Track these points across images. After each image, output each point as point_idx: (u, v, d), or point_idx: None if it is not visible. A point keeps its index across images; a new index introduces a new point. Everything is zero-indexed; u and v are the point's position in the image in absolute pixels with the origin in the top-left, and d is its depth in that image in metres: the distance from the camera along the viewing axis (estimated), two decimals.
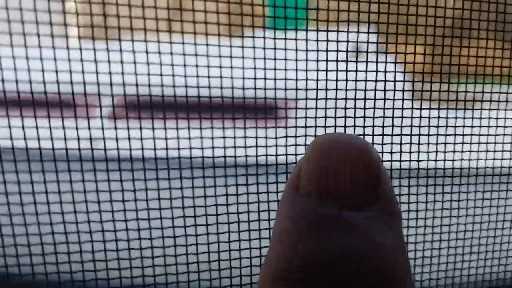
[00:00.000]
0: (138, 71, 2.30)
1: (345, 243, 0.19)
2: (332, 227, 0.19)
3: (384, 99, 0.81)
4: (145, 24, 0.75)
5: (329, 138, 0.21)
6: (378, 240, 0.19)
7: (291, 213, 0.20)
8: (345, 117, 0.78)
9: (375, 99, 0.82)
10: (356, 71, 0.81)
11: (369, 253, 0.19)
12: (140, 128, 0.76)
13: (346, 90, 0.77)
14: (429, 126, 0.87)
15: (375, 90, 0.81)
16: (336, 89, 0.77)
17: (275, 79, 0.83)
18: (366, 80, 0.76)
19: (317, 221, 0.19)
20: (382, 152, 0.81)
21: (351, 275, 0.18)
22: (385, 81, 0.80)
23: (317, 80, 0.77)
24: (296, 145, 0.88)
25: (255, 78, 0.79)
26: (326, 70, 0.77)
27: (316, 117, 0.81)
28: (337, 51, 0.76)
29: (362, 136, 0.98)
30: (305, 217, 0.20)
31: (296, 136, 0.89)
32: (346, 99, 0.79)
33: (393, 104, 0.78)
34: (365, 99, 0.79)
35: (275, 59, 0.82)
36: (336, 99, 0.82)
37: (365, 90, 0.78)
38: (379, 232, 0.19)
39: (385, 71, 0.81)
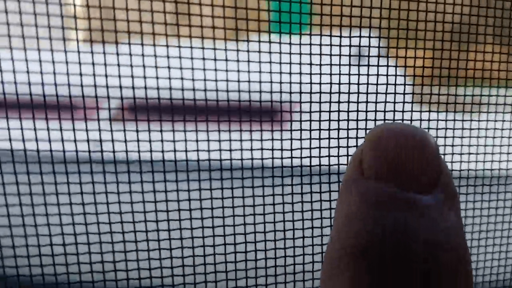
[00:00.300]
0: (144, 75, 2.33)
1: (412, 223, 0.19)
2: (400, 207, 0.20)
3: (385, 102, 0.83)
4: (153, 28, 0.77)
5: (390, 126, 0.22)
6: (442, 222, 0.20)
7: (356, 193, 0.21)
8: (347, 120, 0.80)
9: (376, 102, 0.84)
10: (358, 75, 0.83)
11: (434, 234, 0.19)
12: (149, 130, 0.78)
13: (348, 93, 0.79)
14: (428, 128, 0.89)
15: (376, 93, 0.83)
16: (339, 93, 0.79)
17: (280, 82, 0.85)
18: (367, 84, 0.78)
19: (384, 200, 0.20)
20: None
21: (416, 255, 0.19)
22: (386, 84, 0.82)
23: (320, 83, 0.79)
24: (301, 148, 0.90)
25: (260, 82, 0.81)
26: (330, 74, 0.79)
27: (320, 120, 0.83)
28: (340, 55, 0.78)
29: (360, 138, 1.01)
30: (373, 196, 0.20)
31: (301, 139, 0.91)
32: (348, 102, 0.81)
33: (394, 107, 0.80)
34: (366, 102, 0.81)
35: (280, 63, 0.84)
36: (333, 102, 0.84)
37: (367, 93, 0.80)
38: (443, 214, 0.20)
39: (387, 75, 0.83)
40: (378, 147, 0.21)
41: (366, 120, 0.84)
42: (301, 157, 0.86)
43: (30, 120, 2.28)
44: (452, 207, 0.21)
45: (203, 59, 0.75)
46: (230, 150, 0.85)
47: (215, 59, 0.78)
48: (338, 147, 0.79)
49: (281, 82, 0.82)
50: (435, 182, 0.21)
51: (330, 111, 0.82)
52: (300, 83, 0.81)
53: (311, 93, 0.81)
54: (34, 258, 2.27)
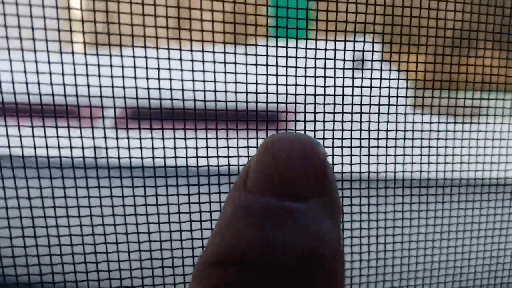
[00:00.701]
0: (145, 80, 2.33)
1: (284, 232, 0.19)
2: (272, 217, 0.20)
3: (389, 105, 0.83)
4: (156, 32, 0.77)
5: (276, 137, 0.22)
6: (316, 230, 0.20)
7: (233, 206, 0.21)
8: (352, 121, 0.80)
9: (379, 106, 0.84)
10: (354, 78, 0.83)
11: (307, 243, 0.19)
12: (151, 138, 0.78)
13: (352, 98, 0.79)
14: (422, 131, 0.89)
15: (380, 96, 0.83)
16: (344, 98, 0.79)
17: (288, 85, 0.85)
18: (362, 87, 0.78)
19: (257, 211, 0.20)
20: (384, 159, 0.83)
21: (283, 265, 0.19)
22: (383, 87, 0.82)
23: (325, 87, 0.80)
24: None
25: (267, 85, 0.81)
26: (334, 78, 0.80)
27: (324, 122, 0.83)
28: (335, 59, 0.78)
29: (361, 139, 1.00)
30: (246, 208, 0.20)
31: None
32: (353, 105, 0.81)
33: (388, 110, 0.80)
34: (367, 105, 0.81)
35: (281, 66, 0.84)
36: (326, 104, 0.84)
37: (370, 96, 0.80)
38: (320, 223, 0.20)
39: (388, 79, 0.83)
40: (261, 158, 0.21)
41: (369, 121, 0.84)
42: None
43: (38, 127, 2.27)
44: (331, 214, 0.21)
45: (202, 61, 0.75)
46: (238, 157, 0.84)
47: (218, 62, 0.78)
48: (341, 149, 0.79)
49: (276, 85, 0.82)
50: (314, 191, 0.21)
51: (324, 112, 0.82)
52: (295, 86, 0.81)
53: (315, 95, 0.81)
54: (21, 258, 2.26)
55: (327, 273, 0.19)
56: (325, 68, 0.75)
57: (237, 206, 0.21)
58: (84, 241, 2.34)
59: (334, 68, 0.74)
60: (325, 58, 0.72)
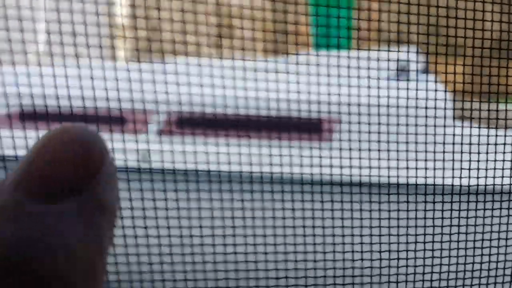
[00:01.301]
0: (191, 90, 2.39)
1: (19, 234, 0.18)
2: (12, 216, 0.18)
3: (426, 117, 0.83)
4: (197, 42, 0.80)
5: (50, 131, 0.20)
6: (64, 233, 0.18)
7: None
8: (388, 132, 0.81)
9: (426, 118, 0.85)
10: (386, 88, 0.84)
11: (38, 246, 0.17)
12: (194, 143, 0.81)
13: (387, 107, 0.80)
14: (464, 143, 0.88)
15: (417, 107, 0.84)
16: (385, 107, 0.80)
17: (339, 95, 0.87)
18: (407, 98, 0.79)
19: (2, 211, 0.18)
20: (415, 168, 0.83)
21: (14, 269, 0.17)
22: (426, 99, 0.83)
23: (364, 96, 0.81)
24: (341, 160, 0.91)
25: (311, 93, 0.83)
26: (378, 88, 0.81)
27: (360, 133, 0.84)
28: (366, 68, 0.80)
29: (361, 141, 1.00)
30: None
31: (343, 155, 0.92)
32: (387, 116, 0.82)
33: (422, 120, 0.80)
34: (406, 116, 0.82)
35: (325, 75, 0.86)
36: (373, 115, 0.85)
37: (407, 107, 0.81)
38: (65, 225, 0.18)
39: (433, 90, 0.84)
40: (26, 157, 0.20)
41: (406, 134, 0.85)
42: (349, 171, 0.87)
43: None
44: (90, 217, 0.19)
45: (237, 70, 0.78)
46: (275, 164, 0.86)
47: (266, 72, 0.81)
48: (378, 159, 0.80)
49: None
50: (75, 189, 0.19)
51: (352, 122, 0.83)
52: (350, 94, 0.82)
53: (359, 105, 0.82)
54: None
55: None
56: (368, 77, 0.76)
57: None
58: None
59: (377, 78, 0.75)
60: (368, 68, 0.74)
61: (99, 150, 0.21)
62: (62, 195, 0.20)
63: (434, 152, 1.00)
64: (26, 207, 0.19)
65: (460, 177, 1.24)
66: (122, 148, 2.50)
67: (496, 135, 0.95)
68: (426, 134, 0.83)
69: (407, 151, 0.88)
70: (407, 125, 1.04)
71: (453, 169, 1.27)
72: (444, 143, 0.95)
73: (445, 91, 0.93)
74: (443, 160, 1.02)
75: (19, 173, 0.20)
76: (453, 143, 0.96)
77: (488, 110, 0.90)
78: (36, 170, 0.20)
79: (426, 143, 1.03)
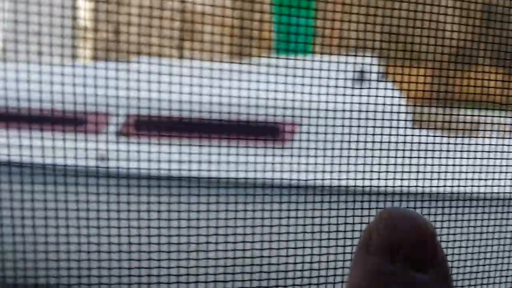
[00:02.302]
0: (148, 91, 2.35)
1: None
2: (400, 283, 0.23)
3: (392, 121, 0.85)
4: (161, 42, 0.79)
5: (396, 211, 0.25)
6: None
7: (363, 269, 0.24)
8: (350, 133, 0.82)
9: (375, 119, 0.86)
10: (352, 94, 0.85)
11: None
12: (159, 144, 0.80)
13: (351, 111, 0.81)
14: (426, 150, 0.91)
15: (381, 112, 0.85)
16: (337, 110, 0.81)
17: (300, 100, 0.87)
18: (367, 104, 0.80)
19: (384, 276, 0.23)
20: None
21: None
22: (387, 104, 0.84)
23: (327, 102, 0.82)
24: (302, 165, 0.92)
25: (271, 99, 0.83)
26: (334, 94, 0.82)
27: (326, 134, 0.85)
28: (331, 76, 0.81)
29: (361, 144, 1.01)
30: (376, 272, 0.23)
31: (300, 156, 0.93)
32: (350, 119, 0.83)
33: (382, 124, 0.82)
34: (366, 119, 0.83)
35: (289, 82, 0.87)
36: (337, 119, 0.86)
37: (366, 111, 0.82)
38: None
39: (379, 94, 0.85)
40: (381, 227, 0.24)
41: (365, 139, 0.86)
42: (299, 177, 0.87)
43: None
44: (444, 285, 0.24)
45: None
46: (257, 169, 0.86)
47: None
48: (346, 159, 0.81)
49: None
50: (433, 262, 0.24)
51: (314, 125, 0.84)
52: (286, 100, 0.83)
53: (318, 110, 0.83)
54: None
55: None
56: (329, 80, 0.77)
57: (366, 269, 0.24)
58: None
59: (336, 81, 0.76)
60: (328, 70, 0.74)
61: (434, 230, 0.25)
62: (426, 266, 0.24)
63: (388, 156, 1.02)
64: (409, 276, 0.23)
65: (404, 179, 1.27)
66: (83, 148, 2.45)
67: (449, 143, 0.98)
68: (381, 142, 0.84)
69: (364, 156, 0.89)
70: (366, 133, 1.05)
71: (402, 172, 1.31)
72: (396, 149, 0.97)
73: (402, 97, 0.95)
74: (395, 164, 1.04)
75: (385, 245, 0.24)
76: (411, 150, 0.98)
77: (443, 115, 0.92)
78: (400, 244, 0.24)
79: (381, 149, 1.05)
